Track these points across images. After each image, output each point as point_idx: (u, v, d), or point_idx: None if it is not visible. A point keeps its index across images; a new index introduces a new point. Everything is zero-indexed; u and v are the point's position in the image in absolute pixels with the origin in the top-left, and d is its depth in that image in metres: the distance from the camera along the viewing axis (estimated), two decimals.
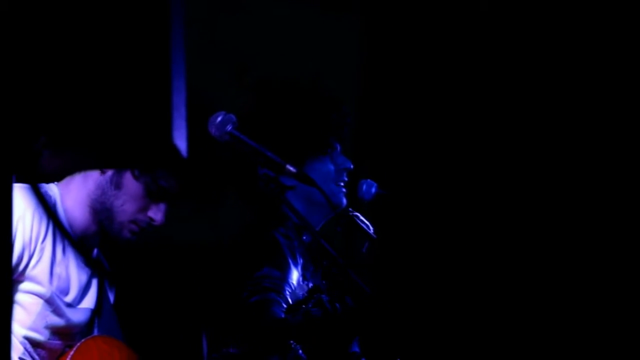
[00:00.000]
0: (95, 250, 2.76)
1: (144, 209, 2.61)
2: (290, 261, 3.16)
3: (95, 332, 2.74)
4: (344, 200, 3.26)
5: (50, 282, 2.56)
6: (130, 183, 2.59)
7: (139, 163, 2.38)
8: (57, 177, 2.71)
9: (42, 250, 2.53)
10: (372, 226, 3.19)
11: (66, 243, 2.60)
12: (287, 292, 3.06)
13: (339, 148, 3.28)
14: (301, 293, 3.16)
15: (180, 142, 1.32)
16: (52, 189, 2.66)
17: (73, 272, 2.64)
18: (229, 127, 2.58)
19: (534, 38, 4.10)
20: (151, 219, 2.62)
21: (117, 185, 2.60)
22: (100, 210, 2.61)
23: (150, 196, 2.60)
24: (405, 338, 2.88)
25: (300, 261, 3.22)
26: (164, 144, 1.30)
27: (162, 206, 2.63)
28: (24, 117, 1.26)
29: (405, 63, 4.22)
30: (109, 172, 2.60)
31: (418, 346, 3.30)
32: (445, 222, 3.51)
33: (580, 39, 4.07)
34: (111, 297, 2.84)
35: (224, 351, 2.64)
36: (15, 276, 2.46)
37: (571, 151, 4.11)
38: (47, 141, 1.29)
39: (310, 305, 2.62)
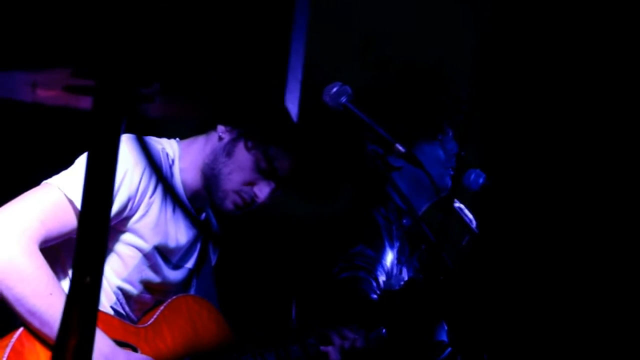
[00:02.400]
0: (204, 214, 2.78)
1: (250, 182, 2.60)
2: (386, 243, 3.13)
3: (192, 292, 2.77)
4: (449, 184, 3.21)
5: (153, 238, 2.58)
6: (241, 153, 2.59)
7: (249, 120, 2.38)
8: (168, 126, 2.73)
9: (149, 205, 2.55)
10: (476, 220, 3.14)
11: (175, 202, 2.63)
12: (379, 273, 3.04)
13: (450, 134, 3.23)
14: (394, 275, 3.13)
15: (292, 105, 1.29)
16: (172, 146, 2.68)
17: (180, 232, 2.66)
18: (344, 99, 2.55)
19: None
20: (255, 195, 2.60)
21: (228, 153, 2.60)
22: (209, 176, 2.62)
23: (260, 172, 2.59)
24: (492, 333, 2.82)
25: (397, 244, 3.20)
26: (276, 104, 1.27)
27: (270, 184, 2.61)
28: (141, 62, 1.25)
29: (531, 54, 4.10)
30: (226, 139, 2.60)
31: (504, 342, 3.23)
32: (553, 223, 3.41)
33: None
34: (213, 259, 2.85)
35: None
36: (114, 222, 2.49)
37: None
38: (161, 88, 1.28)
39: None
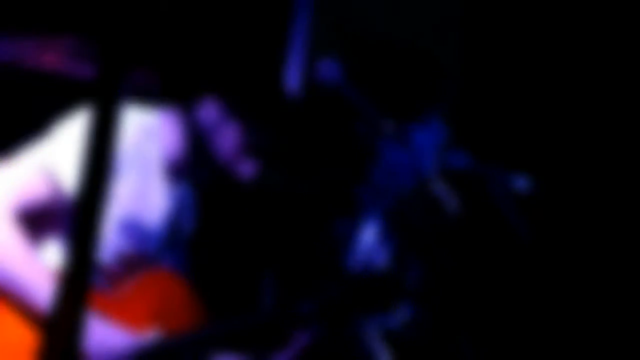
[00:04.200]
0: (182, 183, 2.77)
1: (237, 160, 2.61)
2: (364, 219, 3.16)
3: (163, 264, 2.76)
4: (433, 169, 3.23)
5: (130, 207, 2.57)
6: (228, 133, 2.59)
7: (249, 94, 2.39)
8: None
9: (128, 175, 2.53)
10: (455, 202, 3.16)
11: (154, 172, 2.61)
12: (358, 250, 3.07)
13: (436, 117, 3.25)
14: (370, 252, 3.16)
15: (294, 81, 1.31)
16: (151, 115, 2.65)
17: (157, 203, 2.65)
18: (335, 76, 2.56)
19: None
20: (241, 173, 2.62)
21: (215, 131, 2.60)
22: (194, 152, 2.64)
23: (246, 150, 2.60)
24: (468, 312, 2.86)
25: (375, 222, 3.22)
26: (276, 82, 1.29)
27: (256, 162, 2.62)
28: (145, 30, 1.26)
29: (518, 27, 4.07)
30: (212, 117, 2.59)
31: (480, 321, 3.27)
32: (538, 204, 3.44)
33: None
34: (187, 229, 2.85)
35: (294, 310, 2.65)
36: None
37: None
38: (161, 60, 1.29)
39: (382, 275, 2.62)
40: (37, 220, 2.45)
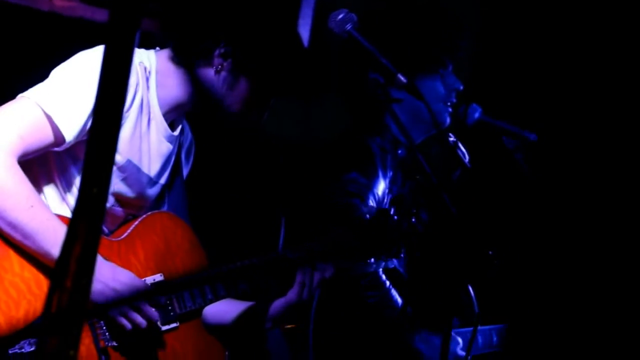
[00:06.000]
0: (179, 126, 2.76)
1: (252, 106, 2.63)
2: (380, 171, 3.17)
3: (164, 208, 2.77)
4: (448, 120, 3.23)
5: (127, 151, 2.57)
6: (243, 86, 2.59)
7: (259, 43, 2.36)
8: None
9: (125, 118, 2.53)
10: (469, 155, 3.16)
11: (150, 116, 2.62)
12: (370, 201, 3.08)
13: (450, 68, 3.23)
14: (385, 203, 3.17)
15: (304, 31, 1.31)
16: (150, 57, 2.63)
17: (154, 146, 2.65)
18: (349, 26, 2.54)
19: None
20: (257, 118, 2.63)
21: (230, 86, 2.59)
22: (206, 102, 2.63)
23: (261, 97, 2.62)
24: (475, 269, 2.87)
25: (390, 174, 3.23)
26: (288, 29, 1.29)
27: (269, 107, 2.63)
28: None
29: None
30: (224, 73, 2.59)
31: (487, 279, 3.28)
32: (547, 163, 3.43)
33: None
34: (185, 171, 2.86)
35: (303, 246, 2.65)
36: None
37: None
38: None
39: (393, 212, 2.62)
40: (36, 162, 2.45)
